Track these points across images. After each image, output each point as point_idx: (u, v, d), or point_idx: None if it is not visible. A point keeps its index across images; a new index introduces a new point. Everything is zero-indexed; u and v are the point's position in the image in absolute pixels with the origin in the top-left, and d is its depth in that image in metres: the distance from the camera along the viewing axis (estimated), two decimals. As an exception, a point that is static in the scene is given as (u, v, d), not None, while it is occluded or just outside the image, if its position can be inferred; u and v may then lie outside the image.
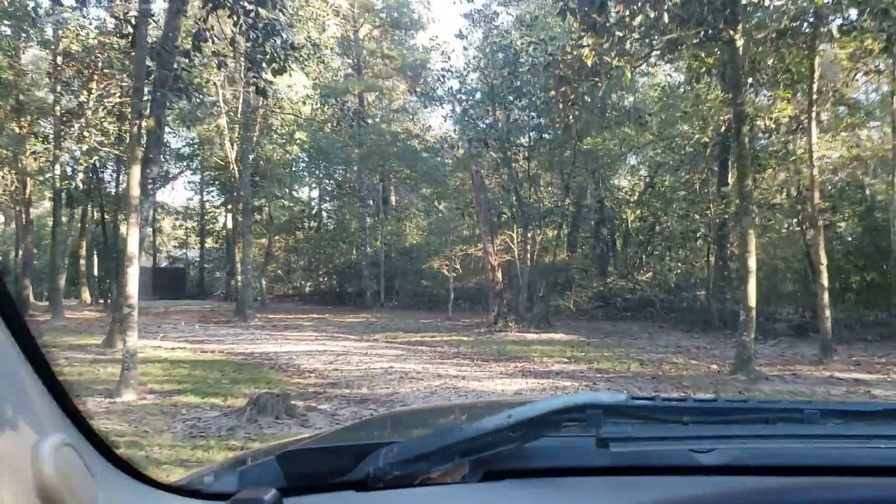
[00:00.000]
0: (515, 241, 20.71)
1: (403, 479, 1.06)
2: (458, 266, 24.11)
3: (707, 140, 15.77)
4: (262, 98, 21.84)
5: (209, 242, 41.46)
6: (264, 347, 14.71)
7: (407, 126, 28.94)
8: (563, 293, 21.98)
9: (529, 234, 19.56)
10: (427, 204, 29.61)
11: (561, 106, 10.75)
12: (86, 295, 31.92)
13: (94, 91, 21.94)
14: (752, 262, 10.02)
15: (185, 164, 34.53)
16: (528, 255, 19.56)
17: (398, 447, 1.11)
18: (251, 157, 24.05)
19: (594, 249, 23.75)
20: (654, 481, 1.09)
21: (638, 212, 23.20)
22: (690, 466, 1.09)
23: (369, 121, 25.84)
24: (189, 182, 40.56)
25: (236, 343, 15.66)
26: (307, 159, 31.22)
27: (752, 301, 10.01)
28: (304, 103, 22.44)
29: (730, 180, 16.82)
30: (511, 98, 18.23)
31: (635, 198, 23.06)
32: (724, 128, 14.56)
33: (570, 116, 10.76)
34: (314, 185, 36.32)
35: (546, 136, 18.98)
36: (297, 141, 25.65)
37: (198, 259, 42.50)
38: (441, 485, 1.07)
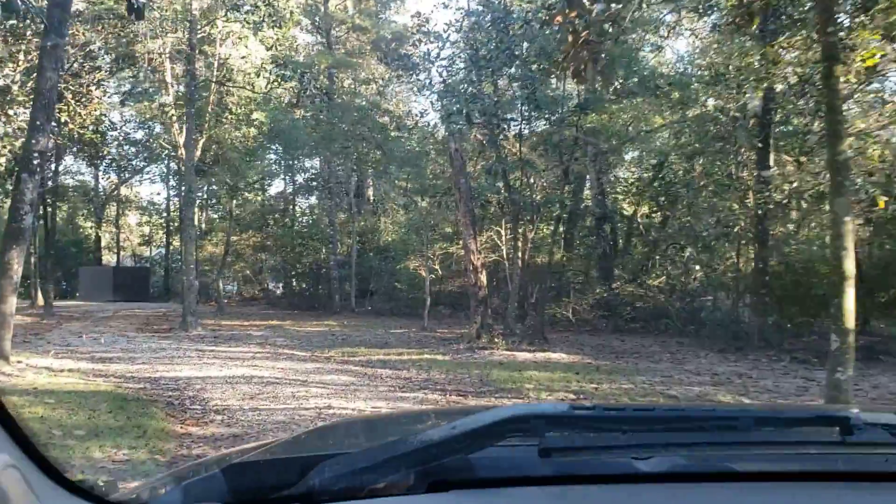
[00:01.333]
0: (504, 238, 17.41)
1: (349, 491, 1.05)
2: (437, 266, 20.79)
3: (751, 107, 12.46)
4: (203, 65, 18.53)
5: (177, 240, 38.26)
6: (180, 370, 11.38)
7: (377, 101, 25.38)
8: (560, 300, 18.65)
9: (520, 230, 16.22)
10: (408, 199, 26.33)
11: (570, 38, 7.51)
12: (36, 295, 28.64)
13: (21, 64, 19.52)
14: (849, 264, 6.80)
15: (136, 149, 31.11)
16: (519, 255, 16.21)
17: (344, 459, 1.10)
18: (201, 139, 20.78)
19: (595, 248, 20.34)
20: (595, 490, 1.10)
21: (646, 206, 19.90)
22: (631, 474, 1.10)
23: (337, 98, 22.47)
24: (148, 172, 37.29)
25: (150, 362, 12.34)
26: (278, 147, 27.97)
27: (851, 320, 6.81)
28: (257, 74, 19.03)
29: (771, 162, 13.58)
30: (500, 63, 14.89)
31: (644, 188, 19.56)
32: (776, 90, 11.26)
33: (583, 55, 7.51)
34: (283, 174, 33.09)
35: (543, 109, 15.66)
36: (256, 122, 22.22)
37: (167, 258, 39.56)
38: (387, 496, 1.06)
